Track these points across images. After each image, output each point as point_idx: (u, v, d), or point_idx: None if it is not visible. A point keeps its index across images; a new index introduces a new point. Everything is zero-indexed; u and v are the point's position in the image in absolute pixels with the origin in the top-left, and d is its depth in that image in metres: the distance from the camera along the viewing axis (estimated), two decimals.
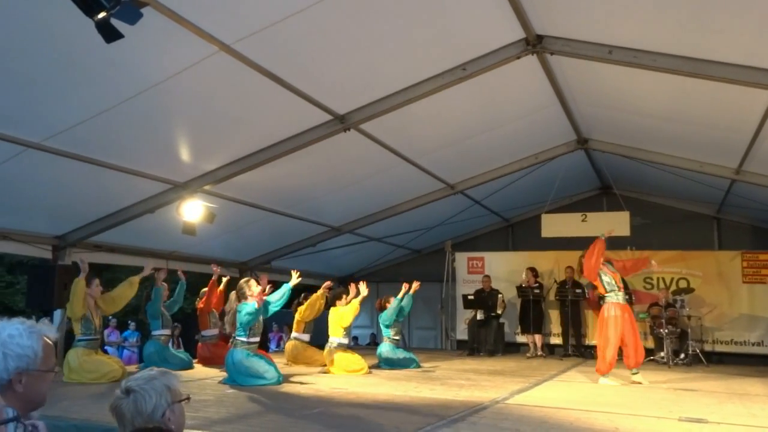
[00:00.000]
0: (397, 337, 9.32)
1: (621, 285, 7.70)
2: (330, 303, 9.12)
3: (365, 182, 9.79)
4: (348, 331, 8.79)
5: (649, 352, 9.95)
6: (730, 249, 11.68)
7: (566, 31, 6.20)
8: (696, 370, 9.14)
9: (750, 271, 11.08)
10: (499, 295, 11.68)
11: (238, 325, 7.18)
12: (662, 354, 9.78)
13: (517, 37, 6.36)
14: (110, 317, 13.25)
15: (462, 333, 12.51)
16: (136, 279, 7.77)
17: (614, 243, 8.04)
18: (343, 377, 7.89)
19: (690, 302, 10.76)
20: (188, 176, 8.06)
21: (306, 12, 5.09)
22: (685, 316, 10.35)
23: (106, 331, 12.97)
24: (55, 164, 6.70)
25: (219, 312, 9.53)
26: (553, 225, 10.64)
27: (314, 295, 9.43)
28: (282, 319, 14.89)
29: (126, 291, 7.71)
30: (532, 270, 11.69)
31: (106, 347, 12.49)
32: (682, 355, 9.94)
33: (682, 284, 11.32)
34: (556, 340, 11.95)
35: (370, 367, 8.42)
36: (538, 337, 11.41)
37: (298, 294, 10.34)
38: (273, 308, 7.37)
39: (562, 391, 6.93)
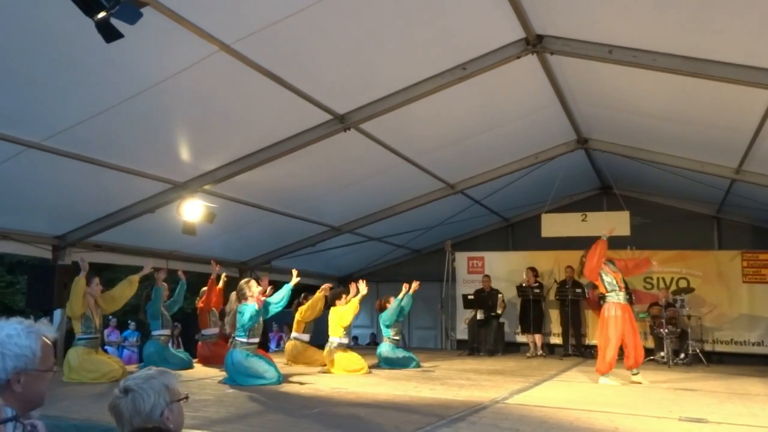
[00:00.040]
0: (397, 337, 9.32)
1: (622, 285, 7.69)
2: (330, 303, 9.11)
3: (365, 182, 9.79)
4: (348, 330, 8.79)
5: (649, 351, 9.95)
6: (730, 249, 11.68)
7: (566, 30, 6.20)
8: (696, 370, 9.14)
9: (750, 271, 11.07)
10: (499, 295, 11.68)
11: (238, 325, 7.17)
12: (662, 354, 9.78)
13: (517, 37, 6.36)
14: (110, 317, 13.26)
15: (462, 333, 12.50)
16: (135, 278, 7.77)
17: (614, 243, 8.04)
18: (343, 377, 7.89)
19: (690, 302, 10.76)
20: (188, 176, 8.06)
21: (306, 12, 5.09)
22: (685, 315, 10.35)
23: (106, 331, 12.98)
24: (55, 164, 6.70)
25: (219, 311, 9.53)
26: (553, 225, 10.64)
27: (316, 296, 9.43)
28: (282, 319, 14.88)
29: (126, 290, 7.71)
30: (533, 270, 11.69)
31: (106, 347, 12.48)
32: (682, 355, 9.94)
33: (682, 284, 11.32)
34: (556, 340, 11.95)
35: (370, 367, 8.42)
36: (538, 337, 11.41)
37: (298, 294, 10.35)
38: (274, 309, 7.37)
39: (562, 390, 6.93)
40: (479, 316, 11.63)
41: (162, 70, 5.60)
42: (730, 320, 11.06)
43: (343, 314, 8.51)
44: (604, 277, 7.61)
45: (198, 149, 7.47)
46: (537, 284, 11.53)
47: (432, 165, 9.68)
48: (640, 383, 7.34)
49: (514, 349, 12.15)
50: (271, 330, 15.56)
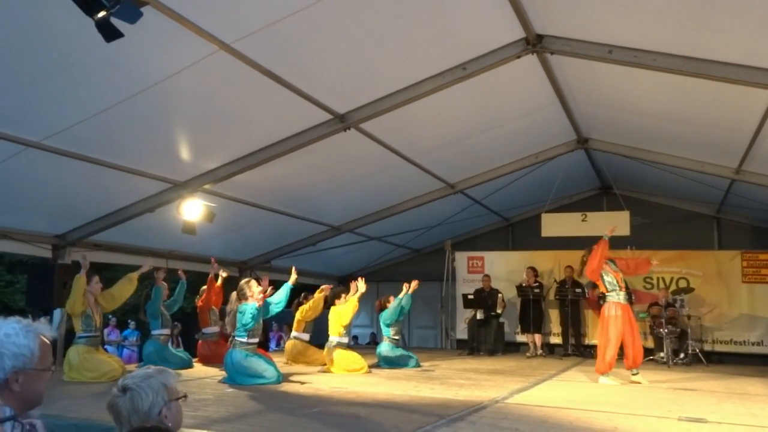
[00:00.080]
0: (396, 337, 9.32)
1: (622, 285, 7.69)
2: (329, 302, 9.12)
3: (365, 181, 9.79)
4: (348, 329, 8.79)
5: (648, 351, 9.96)
6: (730, 249, 11.68)
7: (566, 30, 6.20)
8: (696, 370, 9.15)
9: (750, 271, 11.08)
10: (499, 295, 11.69)
11: (238, 325, 7.17)
12: (662, 354, 9.79)
13: (517, 37, 6.36)
14: (110, 316, 13.26)
15: (462, 332, 12.51)
16: (134, 275, 7.77)
17: (614, 243, 8.04)
18: (343, 376, 7.89)
19: (690, 302, 10.76)
20: (188, 175, 8.06)
21: (306, 11, 5.09)
22: (685, 315, 10.36)
23: (105, 330, 12.99)
24: (54, 163, 6.71)
25: (219, 309, 9.54)
26: (553, 224, 10.65)
27: (316, 296, 9.43)
28: (282, 319, 14.88)
29: (125, 287, 7.71)
30: (532, 269, 11.69)
31: (105, 346, 12.48)
32: (682, 355, 9.94)
33: (682, 284, 11.32)
34: (555, 340, 11.95)
35: (369, 367, 8.42)
36: (537, 337, 11.41)
37: (298, 293, 10.36)
38: (274, 309, 7.36)
39: (561, 390, 6.93)
40: (479, 315, 11.64)
41: (162, 70, 5.59)
42: (730, 320, 11.06)
43: (342, 313, 8.51)
44: (605, 276, 7.61)
45: (198, 149, 7.47)
46: (537, 284, 11.53)
47: (432, 165, 9.68)
48: (639, 383, 7.34)
49: (513, 348, 12.16)
50: (271, 329, 15.57)
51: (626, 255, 9.67)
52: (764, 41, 5.34)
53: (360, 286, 8.54)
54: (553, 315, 11.95)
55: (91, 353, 7.24)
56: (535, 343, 11.37)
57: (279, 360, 8.51)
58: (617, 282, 7.60)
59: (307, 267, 12.93)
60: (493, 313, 11.57)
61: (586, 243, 8.30)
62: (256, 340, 7.35)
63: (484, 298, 11.60)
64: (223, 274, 9.48)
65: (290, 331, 10.18)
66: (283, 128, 7.46)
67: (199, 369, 8.65)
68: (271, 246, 11.96)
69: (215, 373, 7.85)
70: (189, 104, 6.46)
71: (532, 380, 7.52)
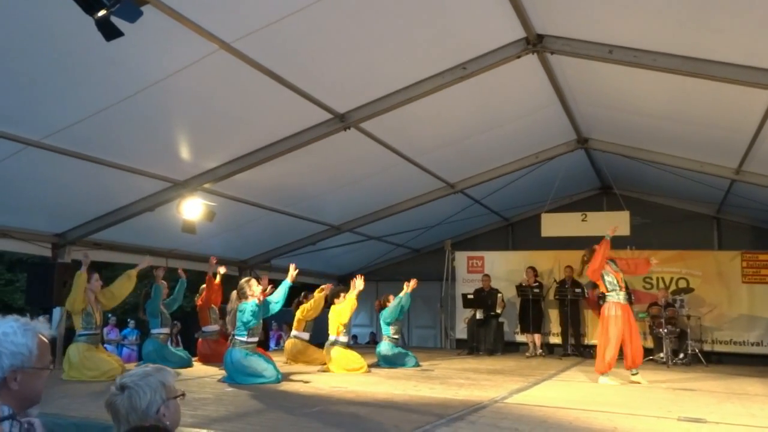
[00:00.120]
0: (396, 336, 9.33)
1: (623, 284, 7.69)
2: (329, 301, 9.14)
3: (365, 181, 9.79)
4: (348, 328, 8.80)
5: (648, 351, 9.96)
6: (730, 249, 11.69)
7: (567, 30, 6.20)
8: (695, 370, 9.14)
9: (749, 271, 11.08)
10: (499, 295, 11.69)
11: (238, 324, 7.17)
12: (661, 354, 9.79)
13: (518, 37, 6.36)
14: (109, 315, 13.27)
15: (461, 332, 12.51)
16: (133, 272, 7.76)
17: (614, 243, 8.03)
18: (343, 376, 7.89)
19: (689, 302, 10.76)
20: (188, 174, 8.06)
21: (306, 11, 5.09)
22: (685, 315, 10.36)
23: (105, 329, 12.98)
24: (54, 162, 6.71)
25: (219, 308, 9.55)
26: (553, 224, 10.65)
27: (318, 296, 9.45)
28: (281, 318, 14.86)
29: (125, 284, 7.71)
30: (532, 269, 11.70)
31: (105, 345, 12.49)
32: (681, 355, 9.94)
33: (682, 284, 11.32)
34: (555, 340, 11.95)
35: (369, 366, 8.42)
36: (537, 337, 11.41)
37: (298, 293, 10.36)
38: (274, 308, 7.36)
39: (561, 390, 6.93)
40: (479, 315, 11.63)
41: (162, 69, 5.59)
42: (730, 320, 11.07)
43: (341, 311, 8.53)
44: (606, 276, 7.61)
45: (198, 148, 7.47)
46: (536, 284, 11.54)
47: (432, 164, 9.68)
48: (639, 383, 7.34)
49: (513, 348, 12.16)
50: (271, 328, 15.57)
51: (626, 255, 9.68)
52: (764, 41, 5.34)
53: (358, 283, 8.55)
54: (553, 315, 11.96)
55: (91, 351, 7.24)
56: (534, 343, 11.37)
57: (279, 359, 8.51)
58: (618, 282, 7.60)
59: (307, 266, 12.93)
60: (492, 313, 11.57)
61: (586, 243, 8.29)
62: (256, 339, 7.35)
63: (484, 298, 11.60)
64: (221, 270, 9.47)
65: (290, 330, 10.18)
66: (283, 127, 7.46)
67: (198, 368, 8.65)
68: (271, 245, 11.96)
69: (215, 372, 7.85)
70: (189, 103, 6.46)
71: (531, 380, 7.52)
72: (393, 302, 9.22)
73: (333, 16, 5.37)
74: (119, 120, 6.24)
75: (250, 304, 7.08)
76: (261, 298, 7.12)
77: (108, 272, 14.10)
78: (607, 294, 7.66)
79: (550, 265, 12.18)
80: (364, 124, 7.62)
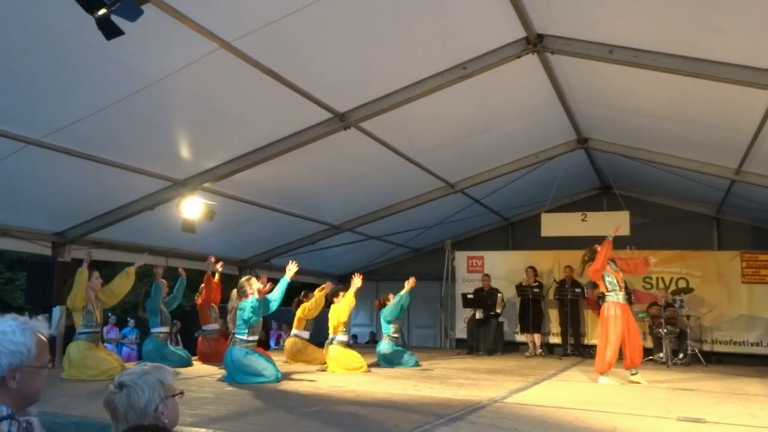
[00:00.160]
0: (396, 335, 9.34)
1: (622, 285, 7.70)
2: (329, 300, 9.16)
3: (365, 181, 9.79)
4: (347, 327, 8.81)
5: (648, 351, 9.96)
6: (730, 249, 11.68)
7: (567, 30, 6.20)
8: (695, 370, 9.14)
9: (749, 272, 11.08)
10: (499, 294, 11.69)
11: (239, 322, 7.17)
12: (661, 354, 9.79)
13: (518, 36, 6.36)
14: (109, 314, 13.27)
15: (461, 332, 12.51)
16: (132, 269, 7.77)
17: (614, 243, 8.00)
18: (343, 375, 7.89)
19: (689, 302, 10.76)
20: (188, 173, 8.06)
21: (306, 10, 5.09)
22: (684, 315, 10.36)
23: (105, 328, 12.99)
24: (54, 161, 6.70)
25: (218, 306, 9.56)
26: (553, 224, 10.65)
27: (318, 294, 9.47)
28: (281, 317, 14.89)
29: (124, 282, 7.72)
30: (532, 269, 11.70)
31: (105, 344, 12.49)
32: (681, 355, 9.94)
33: (682, 284, 11.32)
34: (555, 340, 11.95)
35: (369, 366, 8.43)
36: (537, 336, 11.41)
37: (298, 292, 10.37)
38: (274, 305, 7.36)
39: (561, 390, 6.93)
40: (478, 315, 11.63)
41: (162, 68, 5.59)
42: (729, 320, 11.07)
43: (340, 310, 8.55)
44: (606, 276, 7.61)
45: (198, 147, 7.47)
46: (536, 284, 11.54)
47: (432, 164, 9.68)
48: (638, 383, 7.34)
49: (513, 348, 12.16)
50: (271, 328, 15.58)
51: (626, 255, 9.68)
52: (764, 41, 5.34)
53: (356, 281, 8.58)
54: (553, 315, 11.96)
55: (91, 350, 7.24)
56: (534, 343, 11.37)
57: (278, 359, 8.51)
58: (618, 282, 7.61)
59: (307, 266, 12.90)
60: (492, 313, 11.57)
61: (586, 243, 8.30)
62: (256, 337, 7.35)
63: (484, 298, 11.60)
64: (218, 268, 9.48)
65: (290, 329, 10.19)
66: (283, 127, 7.45)
67: (198, 367, 8.66)
68: (270, 244, 11.96)
69: (214, 371, 7.85)
70: (189, 102, 6.45)
71: (531, 380, 7.52)
72: (393, 300, 9.24)
73: (333, 16, 5.37)
74: (119, 119, 6.24)
75: (251, 300, 7.08)
76: (263, 291, 7.11)
77: (108, 271, 14.11)
78: (606, 294, 7.65)
79: (550, 264, 12.19)
80: (364, 124, 7.62)
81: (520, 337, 12.02)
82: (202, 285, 9.49)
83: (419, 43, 6.23)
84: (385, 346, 9.17)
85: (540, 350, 11.36)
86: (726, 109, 7.00)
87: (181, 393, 2.17)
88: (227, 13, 5.07)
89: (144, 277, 14.45)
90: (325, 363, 8.49)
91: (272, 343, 15.02)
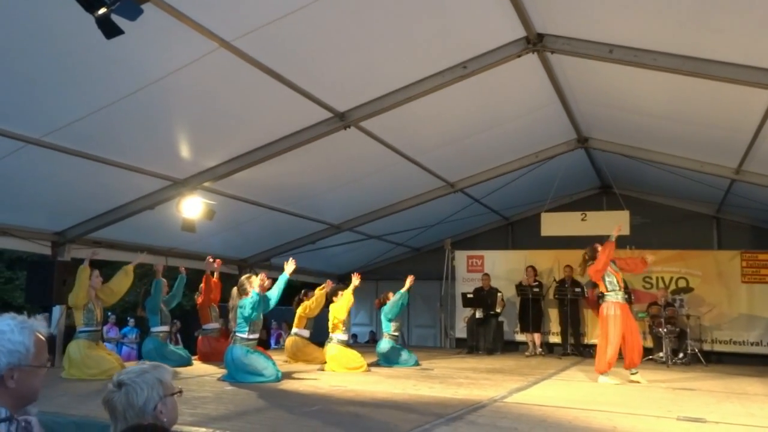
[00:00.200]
0: (396, 333, 9.36)
1: (622, 285, 7.71)
2: (329, 299, 9.17)
3: (365, 180, 9.79)
4: (347, 327, 8.80)
5: (647, 351, 9.96)
6: (730, 249, 11.68)
7: (567, 29, 6.20)
8: (695, 370, 9.15)
9: (749, 271, 11.08)
10: (499, 294, 11.69)
11: (239, 319, 7.17)
12: (661, 353, 9.79)
13: (518, 36, 6.36)
14: (109, 313, 13.27)
15: (461, 331, 12.51)
16: (130, 267, 7.77)
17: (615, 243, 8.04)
18: (342, 374, 7.90)
19: (689, 302, 10.77)
20: (188, 173, 8.06)
21: (306, 9, 5.09)
22: (684, 315, 10.36)
23: (105, 328, 12.98)
24: (54, 160, 6.70)
25: (218, 306, 9.56)
26: (553, 224, 10.65)
27: (319, 292, 9.48)
28: (281, 316, 14.90)
29: (123, 280, 7.72)
30: (532, 268, 11.70)
31: (105, 343, 12.49)
32: (681, 355, 9.94)
33: (681, 284, 11.32)
34: (555, 339, 11.95)
35: (369, 365, 8.43)
36: (537, 336, 11.42)
37: (297, 291, 10.38)
38: (273, 301, 7.36)
39: (560, 389, 6.93)
40: (478, 314, 11.64)
41: (162, 67, 5.59)
42: (729, 320, 11.07)
43: (338, 308, 8.56)
44: (606, 276, 7.61)
45: (198, 146, 7.47)
46: (536, 283, 11.55)
47: (432, 163, 9.68)
48: (638, 382, 7.34)
49: (513, 347, 12.16)
50: (271, 327, 15.59)
51: (625, 254, 9.69)
52: (764, 41, 5.34)
53: (354, 280, 8.61)
54: (553, 314, 11.96)
55: (92, 349, 7.25)
56: (534, 342, 11.38)
57: (279, 358, 8.52)
58: (617, 282, 7.62)
59: (307, 265, 12.93)
60: (492, 312, 11.57)
61: (586, 242, 8.29)
62: (257, 335, 7.36)
63: (484, 297, 11.60)
64: (215, 266, 9.49)
65: (290, 328, 10.20)
66: (283, 126, 7.45)
67: (198, 366, 8.66)
68: (270, 244, 11.96)
69: (214, 370, 7.86)
70: (189, 102, 6.45)
71: (531, 379, 7.52)
72: (394, 297, 9.27)
73: (333, 15, 5.36)
74: (119, 118, 6.24)
75: (251, 295, 7.08)
76: (264, 285, 7.11)
77: (108, 270, 14.11)
78: (606, 294, 7.65)
79: (550, 264, 12.19)
80: (364, 123, 7.62)
81: (520, 337, 12.02)
82: (202, 285, 9.49)
83: (419, 43, 6.23)
84: (384, 344, 9.19)
85: (540, 350, 11.36)
86: (726, 108, 6.99)
87: (180, 392, 2.17)
88: (227, 12, 5.07)
89: (144, 276, 14.45)
90: (325, 362, 8.50)
91: (272, 343, 15.03)
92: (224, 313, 9.70)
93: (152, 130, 6.89)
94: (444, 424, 4.56)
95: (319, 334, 9.58)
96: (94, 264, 7.56)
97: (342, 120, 7.36)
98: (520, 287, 11.55)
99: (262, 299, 7.10)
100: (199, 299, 9.51)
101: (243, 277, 7.47)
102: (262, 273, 7.70)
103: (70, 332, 7.93)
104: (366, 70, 6.67)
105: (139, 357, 11.29)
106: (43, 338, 2.04)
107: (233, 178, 8.26)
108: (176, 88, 5.96)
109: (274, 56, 5.84)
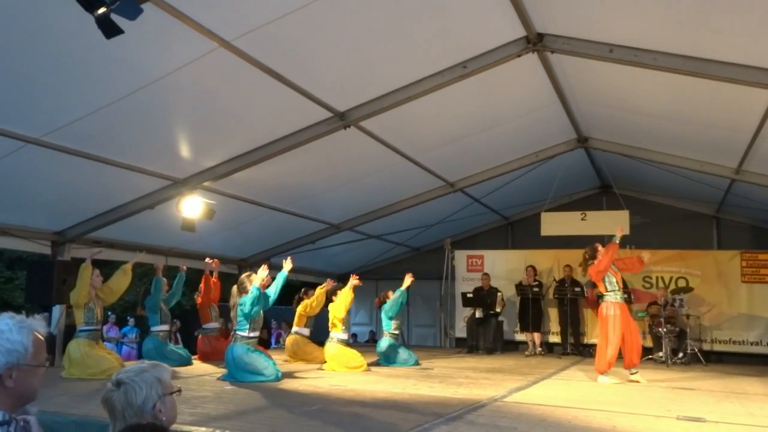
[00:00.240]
0: (396, 332, 9.38)
1: (621, 285, 7.71)
2: (328, 298, 9.18)
3: (365, 180, 9.79)
4: (347, 326, 8.81)
5: (647, 351, 9.96)
6: (730, 248, 11.68)
7: (567, 29, 6.20)
8: (694, 369, 9.15)
9: (749, 271, 11.08)
10: (498, 293, 11.69)
11: (239, 318, 7.17)
12: (661, 353, 9.79)
13: (518, 36, 6.36)
14: (109, 313, 13.27)
15: (461, 331, 12.51)
16: (128, 266, 7.77)
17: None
18: (342, 374, 7.90)
19: (689, 301, 10.76)
20: (188, 172, 8.06)
21: (306, 9, 5.09)
22: (684, 315, 10.36)
23: (105, 327, 12.99)
24: (54, 160, 6.70)
25: (218, 304, 9.56)
26: (553, 223, 10.65)
27: (320, 291, 9.49)
28: (281, 316, 14.91)
29: (122, 279, 7.72)
30: (532, 268, 11.70)
31: (105, 343, 12.49)
32: (681, 354, 9.95)
33: (681, 283, 11.32)
34: (554, 339, 11.95)
35: (368, 365, 8.43)
36: (536, 335, 11.42)
37: (297, 290, 10.39)
38: (272, 298, 7.36)
39: (560, 389, 6.93)
40: (478, 314, 11.64)
41: (162, 67, 5.59)
42: (729, 320, 11.06)
43: (337, 306, 8.57)
44: (606, 277, 7.61)
45: (198, 146, 7.47)
46: (536, 283, 11.55)
47: (432, 163, 9.68)
48: (638, 382, 7.34)
49: (512, 347, 12.16)
50: (271, 326, 15.59)
51: (624, 254, 9.69)
52: (764, 41, 5.34)
53: (353, 280, 8.63)
54: (552, 314, 11.96)
55: (92, 348, 7.25)
56: (534, 342, 11.38)
57: (279, 357, 8.52)
58: (616, 282, 7.62)
59: (307, 265, 12.94)
60: (492, 312, 11.57)
61: (585, 242, 8.29)
62: (257, 333, 7.36)
63: (484, 297, 11.60)
64: (214, 266, 9.50)
65: (289, 328, 10.20)
66: (282, 126, 7.45)
67: (198, 366, 8.66)
68: (270, 243, 11.96)
69: (214, 370, 7.86)
70: (189, 101, 6.45)
71: (530, 379, 7.52)
72: (394, 295, 9.28)
73: (333, 15, 5.36)
74: (119, 118, 6.24)
75: (252, 291, 7.08)
76: (264, 283, 7.11)
77: (107, 270, 14.11)
78: (605, 294, 7.64)
79: (550, 264, 12.19)
80: (363, 123, 7.62)
81: (520, 336, 12.02)
82: (201, 284, 9.50)
83: (419, 42, 6.23)
84: (385, 343, 9.20)
85: (539, 349, 11.36)
86: (726, 108, 7.00)
87: (179, 390, 2.17)
88: (227, 12, 5.07)
89: (144, 276, 14.43)
90: (324, 362, 8.50)
91: (272, 342, 15.03)
92: (224, 312, 9.72)
93: (152, 130, 6.89)
94: (444, 424, 4.56)
95: (319, 333, 9.58)
96: (94, 264, 7.57)
97: (342, 120, 7.36)
98: (519, 287, 11.56)
99: (262, 295, 7.10)
100: (199, 299, 9.52)
101: (243, 275, 7.48)
102: (264, 265, 7.67)
103: (69, 331, 7.93)
104: (366, 70, 6.67)
105: (139, 356, 11.30)
106: (41, 338, 2.03)
107: (233, 178, 8.26)
108: (176, 87, 5.96)
109: (274, 56, 5.84)
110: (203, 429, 4.19)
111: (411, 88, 6.93)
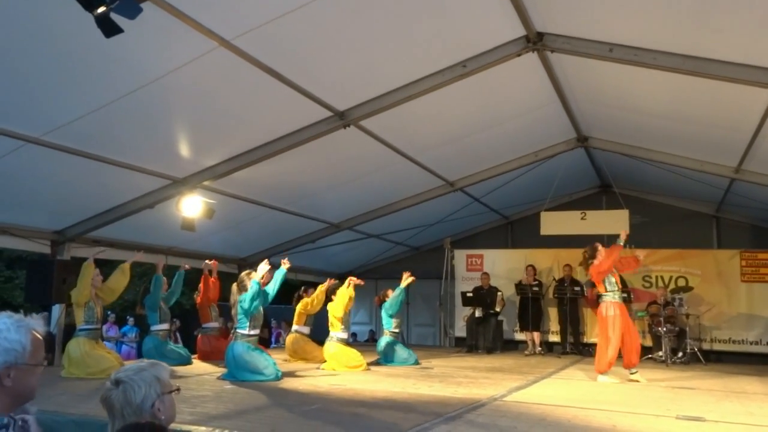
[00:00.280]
0: (396, 330, 9.38)
1: (620, 285, 7.71)
2: (328, 297, 9.19)
3: (365, 179, 9.79)
4: (347, 325, 8.81)
5: (647, 350, 9.97)
6: (729, 248, 11.68)
7: (567, 28, 6.20)
8: (694, 369, 9.15)
9: (749, 270, 11.08)
10: (498, 293, 11.69)
11: (239, 315, 7.18)
12: (660, 352, 9.79)
13: (518, 35, 6.36)
14: (108, 312, 13.27)
15: (460, 330, 12.52)
16: (126, 265, 7.78)
17: (613, 242, 8.04)
18: (342, 373, 7.90)
19: (688, 301, 10.76)
20: (187, 172, 8.06)
21: (306, 8, 5.09)
22: (684, 314, 10.35)
23: (104, 327, 12.98)
24: (54, 159, 6.70)
25: (217, 304, 9.57)
26: (553, 223, 10.64)
27: (320, 289, 9.50)
28: (281, 315, 14.91)
29: (120, 278, 7.73)
30: (532, 267, 11.71)
31: (104, 342, 12.48)
32: (680, 354, 9.95)
33: (681, 283, 11.33)
34: (554, 338, 11.95)
35: (368, 364, 8.43)
36: (536, 335, 11.42)
37: (297, 288, 10.41)
38: (271, 295, 7.35)
39: (560, 388, 6.93)
40: (478, 313, 11.64)
41: (162, 66, 5.59)
42: (729, 319, 11.07)
43: (335, 305, 8.59)
44: (605, 277, 7.61)
45: (197, 145, 7.47)
46: (536, 282, 11.55)
47: (432, 162, 9.68)
48: (638, 381, 7.34)
49: (512, 346, 12.17)
50: (271, 325, 15.60)
51: (624, 254, 9.68)
52: (764, 41, 5.34)
53: (352, 280, 8.65)
54: (552, 313, 11.96)
55: (92, 347, 7.26)
56: (533, 341, 11.38)
57: (279, 357, 8.52)
58: (617, 282, 7.63)
59: (307, 264, 12.95)
60: (491, 311, 11.58)
61: (585, 241, 8.29)
62: (257, 331, 7.36)
63: (483, 296, 11.61)
64: (212, 266, 9.50)
65: (289, 327, 10.21)
66: (282, 125, 7.45)
67: (197, 365, 8.66)
68: (270, 243, 11.96)
69: (214, 369, 7.86)
70: (189, 100, 6.45)
71: (530, 378, 7.52)
72: (394, 293, 9.29)
73: (333, 14, 5.36)
74: (119, 117, 6.24)
75: (251, 285, 7.08)
76: (263, 278, 7.11)
77: (107, 269, 14.11)
78: (604, 294, 7.64)
79: (550, 263, 12.19)
80: (363, 122, 7.62)
81: (520, 336, 12.02)
82: (201, 284, 9.50)
83: (419, 42, 6.23)
84: (383, 341, 9.21)
85: (539, 348, 11.36)
86: (726, 108, 6.99)
87: (178, 389, 2.16)
88: (227, 11, 5.07)
89: (143, 275, 14.42)
90: (324, 361, 8.50)
91: (272, 342, 15.04)
92: (224, 312, 9.72)
93: (152, 129, 6.89)
94: (443, 423, 4.56)
95: (319, 332, 9.58)
96: (94, 263, 7.57)
97: (342, 119, 7.36)
98: (519, 286, 11.56)
99: (262, 291, 7.10)
100: (198, 298, 9.52)
101: (243, 273, 7.49)
102: (266, 260, 7.66)
103: (69, 331, 7.93)
104: (366, 70, 6.67)
105: (139, 356, 11.30)
106: (39, 337, 2.03)
107: (233, 177, 8.26)
108: (176, 86, 5.96)
109: (274, 55, 5.84)
110: (203, 428, 4.20)
111: (411, 87, 6.93)
